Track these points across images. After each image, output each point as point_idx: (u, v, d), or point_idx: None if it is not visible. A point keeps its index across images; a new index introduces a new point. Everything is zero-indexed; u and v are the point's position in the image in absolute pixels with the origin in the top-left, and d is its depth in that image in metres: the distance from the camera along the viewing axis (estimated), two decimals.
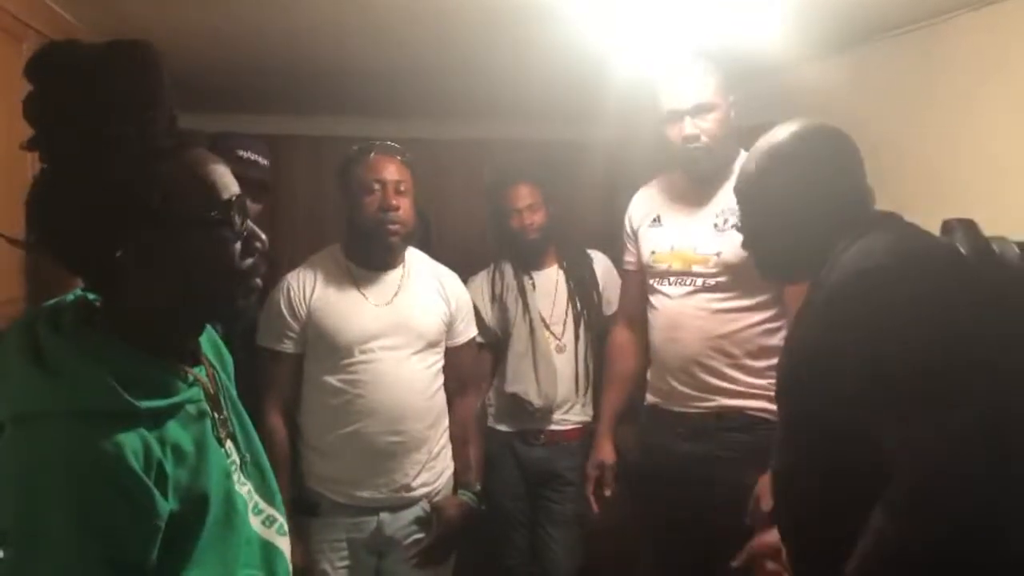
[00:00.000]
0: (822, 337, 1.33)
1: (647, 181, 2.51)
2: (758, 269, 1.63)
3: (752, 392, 2.16)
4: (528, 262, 2.87)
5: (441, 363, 2.38)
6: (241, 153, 2.45)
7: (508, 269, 2.87)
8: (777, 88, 2.66)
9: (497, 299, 2.83)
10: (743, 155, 2.21)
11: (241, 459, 1.13)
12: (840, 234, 1.41)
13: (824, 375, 1.31)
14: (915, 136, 2.26)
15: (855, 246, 1.37)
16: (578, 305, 2.85)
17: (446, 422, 2.40)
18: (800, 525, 1.45)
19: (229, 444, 1.11)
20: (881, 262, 1.31)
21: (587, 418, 2.84)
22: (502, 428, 2.83)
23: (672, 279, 2.26)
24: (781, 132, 1.52)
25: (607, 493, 2.51)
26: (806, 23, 2.22)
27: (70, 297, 1.05)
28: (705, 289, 2.20)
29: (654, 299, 2.34)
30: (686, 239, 2.24)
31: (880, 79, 2.39)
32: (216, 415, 1.09)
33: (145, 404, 0.95)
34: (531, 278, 2.86)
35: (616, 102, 2.71)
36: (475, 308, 2.63)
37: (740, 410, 2.17)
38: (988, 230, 1.42)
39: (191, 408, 1.04)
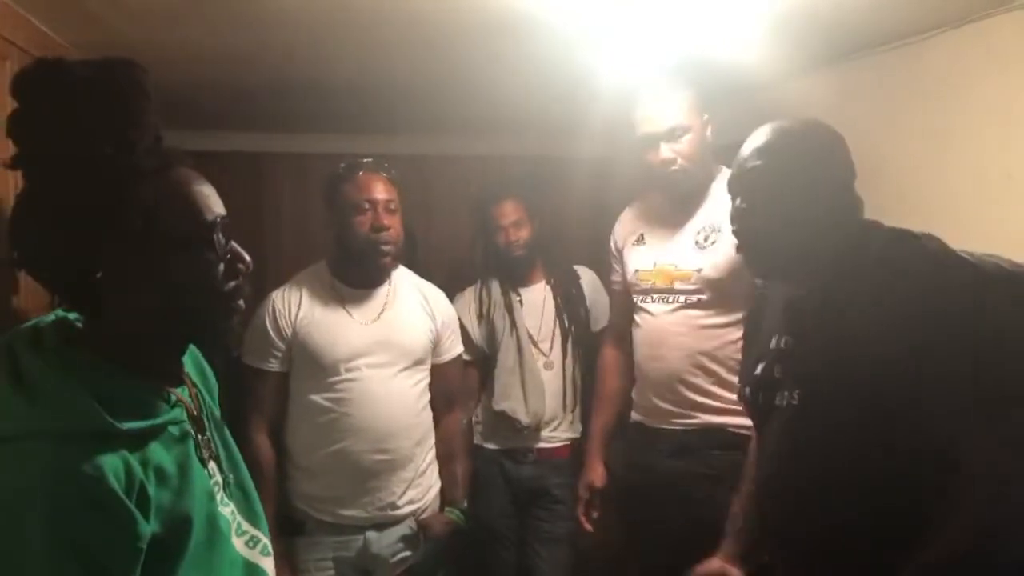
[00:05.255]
0: (902, 333, 1.29)
1: (633, 196, 2.53)
2: (748, 259, 1.57)
3: (734, 409, 2.15)
4: (515, 278, 2.87)
5: (427, 380, 2.37)
6: None
7: (495, 286, 2.86)
8: (760, 105, 2.67)
9: (484, 316, 2.83)
10: (724, 172, 2.23)
11: (224, 480, 1.12)
12: (842, 233, 1.42)
13: (897, 375, 1.29)
14: (897, 152, 2.28)
15: (902, 246, 1.37)
16: (566, 321, 2.85)
17: (432, 439, 2.39)
18: (826, 536, 1.40)
19: (212, 465, 1.10)
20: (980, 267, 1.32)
21: (575, 435, 2.83)
22: (490, 446, 2.82)
23: (655, 296, 2.28)
24: (785, 123, 1.50)
25: (594, 515, 2.51)
26: (788, 40, 2.24)
27: (50, 317, 1.04)
28: (687, 306, 2.21)
29: (638, 317, 2.35)
30: (668, 256, 2.26)
31: (862, 96, 2.41)
32: (199, 436, 1.08)
33: (127, 425, 0.94)
34: (518, 294, 2.86)
35: (601, 117, 2.72)
36: (462, 325, 2.63)
37: (722, 427, 2.17)
38: (969, 244, 1.43)
39: (174, 429, 1.03)
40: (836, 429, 1.38)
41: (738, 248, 1.56)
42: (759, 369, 1.56)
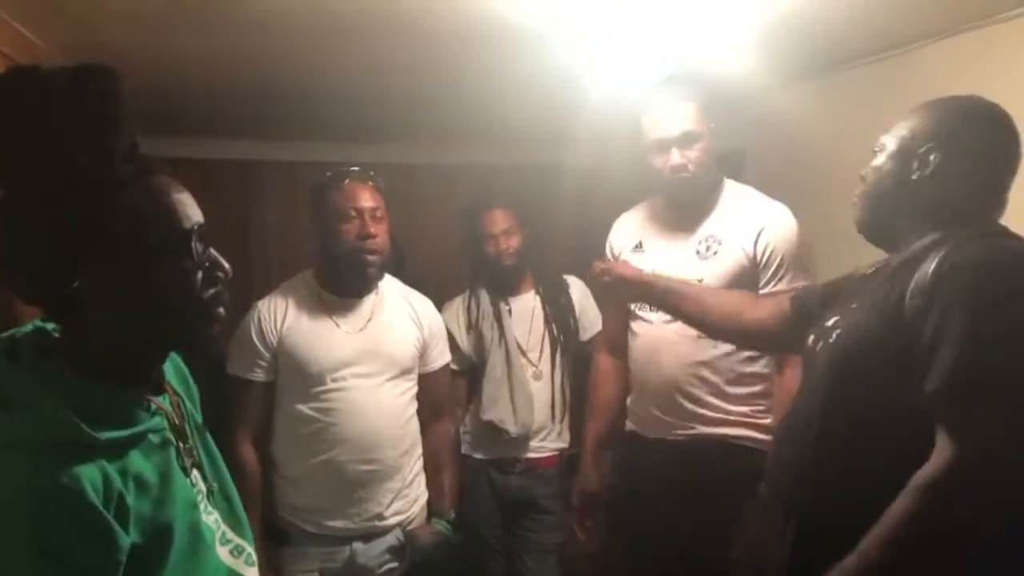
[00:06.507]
0: (934, 313, 1.31)
1: (621, 205, 2.50)
2: (862, 215, 1.57)
3: (730, 420, 2.15)
4: (504, 287, 2.86)
5: (414, 390, 2.36)
6: None
7: (484, 295, 2.85)
8: (747, 115, 2.68)
9: (473, 325, 2.82)
10: (728, 183, 2.23)
11: (208, 488, 1.11)
12: (954, 225, 1.41)
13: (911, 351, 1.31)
14: None
15: (997, 239, 1.38)
16: (555, 331, 2.84)
17: (420, 450, 2.37)
18: (820, 500, 1.43)
19: (195, 473, 1.08)
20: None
21: (564, 445, 2.83)
22: (478, 456, 2.81)
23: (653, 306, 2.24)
24: (967, 103, 1.51)
25: (588, 523, 2.49)
26: (778, 51, 2.25)
27: (27, 327, 1.03)
28: None
29: (635, 325, 2.32)
30: (668, 265, 2.21)
31: (852, 107, 2.41)
32: (181, 444, 1.07)
33: (105, 435, 0.93)
34: (507, 304, 2.85)
35: (590, 127, 2.72)
36: (450, 334, 2.62)
37: (720, 438, 2.15)
38: None
39: (154, 437, 1.02)
40: (847, 373, 1.43)
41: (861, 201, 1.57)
42: (830, 321, 1.60)
